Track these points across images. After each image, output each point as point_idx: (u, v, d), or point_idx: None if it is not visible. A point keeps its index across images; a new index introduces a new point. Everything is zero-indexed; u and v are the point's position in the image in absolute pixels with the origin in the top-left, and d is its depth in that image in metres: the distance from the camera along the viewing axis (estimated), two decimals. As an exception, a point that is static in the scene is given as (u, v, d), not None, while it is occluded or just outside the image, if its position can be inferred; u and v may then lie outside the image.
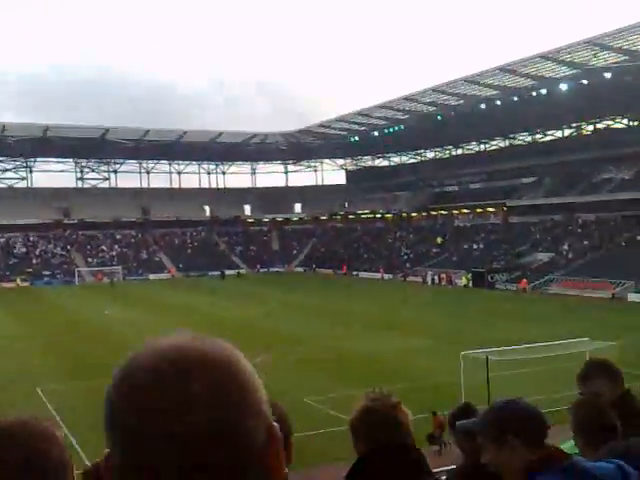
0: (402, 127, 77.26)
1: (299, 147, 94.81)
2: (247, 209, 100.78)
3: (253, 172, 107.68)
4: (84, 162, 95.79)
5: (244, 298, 53.55)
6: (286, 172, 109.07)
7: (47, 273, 77.85)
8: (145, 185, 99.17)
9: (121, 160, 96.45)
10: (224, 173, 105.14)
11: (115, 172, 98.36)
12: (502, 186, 79.14)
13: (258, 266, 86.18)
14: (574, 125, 76.16)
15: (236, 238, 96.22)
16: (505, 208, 76.51)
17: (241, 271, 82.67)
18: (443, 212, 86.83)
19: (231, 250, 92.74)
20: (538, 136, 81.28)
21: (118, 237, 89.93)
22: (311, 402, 20.69)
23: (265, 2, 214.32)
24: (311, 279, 74.27)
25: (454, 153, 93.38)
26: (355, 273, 77.50)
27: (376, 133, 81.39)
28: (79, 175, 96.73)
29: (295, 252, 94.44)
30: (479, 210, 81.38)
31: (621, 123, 72.51)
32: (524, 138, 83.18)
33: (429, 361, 26.86)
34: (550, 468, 2.01)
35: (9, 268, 77.16)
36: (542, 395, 18.50)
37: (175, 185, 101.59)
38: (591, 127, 75.49)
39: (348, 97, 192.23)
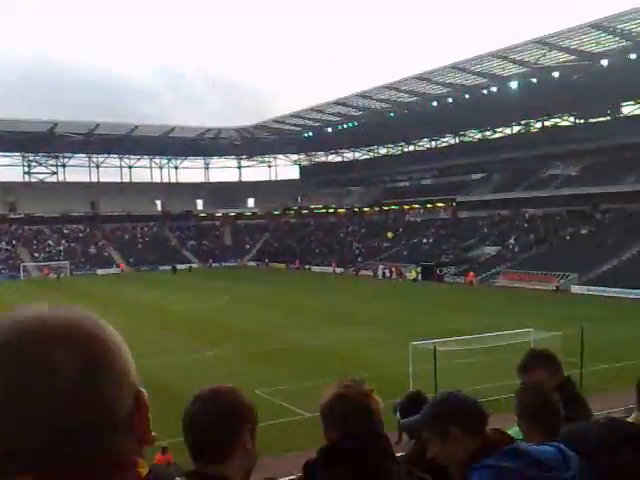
0: (355, 123, 77.65)
1: (253, 142, 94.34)
2: (199, 204, 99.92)
3: (206, 167, 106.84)
4: (32, 156, 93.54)
5: (196, 292, 53.12)
6: (239, 167, 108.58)
7: (-8, 268, 75.81)
8: (95, 179, 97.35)
9: (70, 154, 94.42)
10: (176, 168, 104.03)
11: (64, 166, 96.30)
12: (452, 182, 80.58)
13: (210, 261, 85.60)
14: (523, 122, 77.88)
15: (188, 233, 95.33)
16: (454, 203, 77.87)
17: (193, 266, 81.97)
18: (395, 207, 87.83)
19: (183, 245, 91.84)
20: (488, 133, 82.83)
21: (66, 232, 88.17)
22: (262, 394, 20.67)
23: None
24: (264, 273, 74.13)
25: (406, 149, 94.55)
26: (307, 267, 77.75)
27: (330, 129, 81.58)
28: (26, 169, 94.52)
29: (248, 247, 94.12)
30: (429, 205, 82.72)
31: (568, 121, 74.46)
32: (474, 135, 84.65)
33: (380, 352, 27.12)
34: (492, 454, 2.06)
35: (-48, 263, 74.82)
36: (488, 384, 18.96)
37: (126, 179, 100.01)
38: (539, 124, 77.33)
39: (303, 94, 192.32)
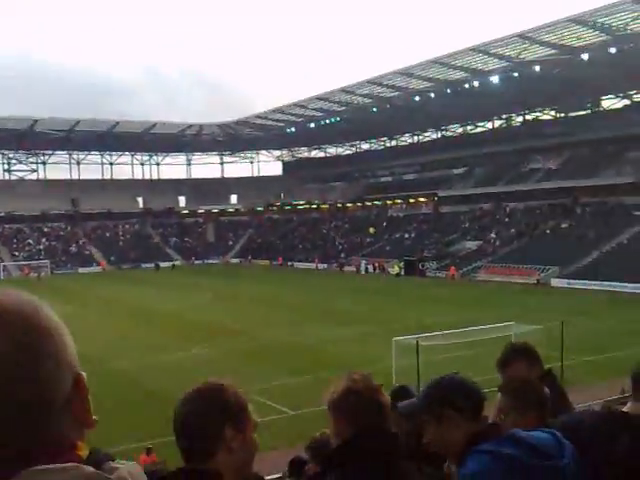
0: (338, 119, 77.61)
1: (235, 138, 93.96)
2: (182, 200, 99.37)
3: (188, 163, 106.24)
4: (11, 154, 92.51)
5: (179, 290, 52.83)
6: (222, 163, 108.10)
7: (-29, 268, 74.81)
8: (75, 177, 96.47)
9: (50, 151, 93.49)
10: (158, 164, 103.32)
11: (44, 164, 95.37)
12: (434, 177, 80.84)
13: (193, 258, 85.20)
14: (504, 117, 78.29)
15: (170, 230, 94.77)
16: (436, 198, 78.14)
17: (176, 263, 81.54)
18: (377, 202, 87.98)
19: (165, 242, 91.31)
20: (469, 128, 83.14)
21: (46, 230, 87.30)
22: (245, 392, 20.63)
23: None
24: (247, 270, 73.94)
25: (388, 145, 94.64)
26: (290, 264, 77.64)
27: (312, 124, 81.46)
28: (6, 167, 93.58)
29: (231, 243, 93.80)
30: (412, 200, 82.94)
31: (549, 115, 74.91)
32: (456, 130, 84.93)
33: (363, 348, 27.13)
34: (489, 439, 2.03)
35: None
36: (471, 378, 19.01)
37: (107, 176, 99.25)
38: (520, 119, 77.74)
39: (285, 89, 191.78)
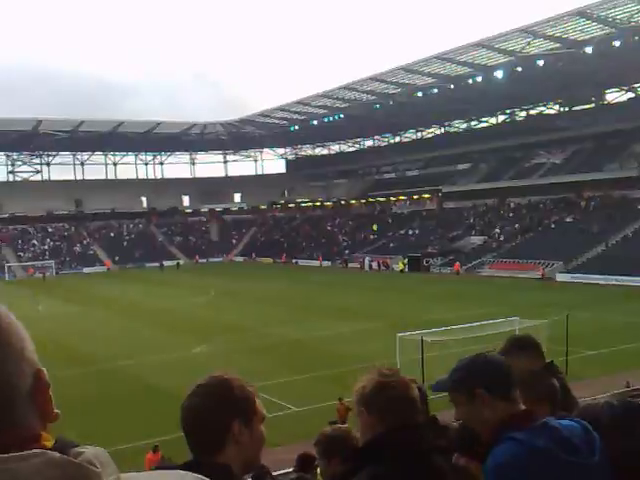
0: (341, 116, 77.48)
1: (239, 137, 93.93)
2: (186, 200, 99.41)
3: (192, 162, 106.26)
4: (15, 155, 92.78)
5: (184, 288, 52.91)
6: (225, 162, 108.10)
7: (-24, 269, 75.01)
8: (79, 177, 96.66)
9: (54, 152, 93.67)
10: (162, 164, 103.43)
11: (48, 164, 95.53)
12: (438, 173, 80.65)
13: (197, 257, 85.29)
14: (508, 112, 78.00)
15: (174, 229, 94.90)
16: (440, 194, 77.99)
17: (180, 262, 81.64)
18: (381, 199, 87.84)
19: (169, 241, 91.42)
20: (473, 123, 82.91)
21: (50, 231, 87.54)
22: (250, 389, 20.65)
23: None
24: (251, 269, 73.96)
25: (392, 141, 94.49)
26: (295, 261, 77.65)
27: (316, 122, 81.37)
28: (10, 168, 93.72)
29: (234, 242, 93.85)
30: (415, 196, 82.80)
31: (553, 109, 74.62)
32: (459, 125, 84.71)
33: (368, 344, 27.12)
34: (521, 425, 1.99)
35: (-63, 265, 73.99)
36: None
37: (111, 176, 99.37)
38: (524, 113, 77.43)
39: (288, 87, 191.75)
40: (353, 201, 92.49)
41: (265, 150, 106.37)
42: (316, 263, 73.57)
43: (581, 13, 46.96)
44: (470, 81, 61.19)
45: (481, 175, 75.65)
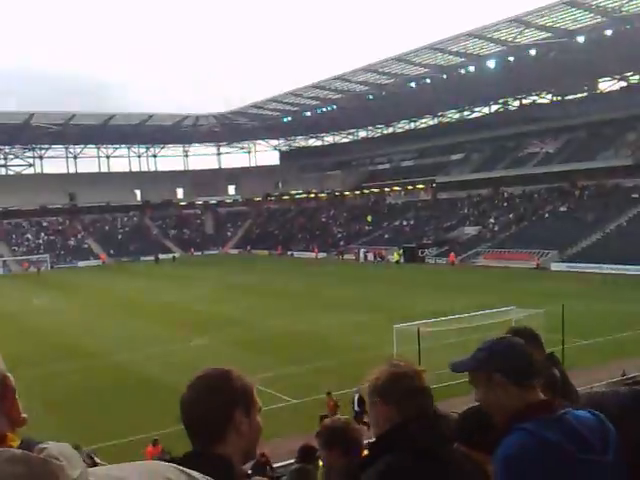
0: (334, 107, 77.30)
1: (232, 128, 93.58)
2: (180, 192, 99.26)
3: (185, 154, 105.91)
4: (8, 148, 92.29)
5: (178, 281, 52.90)
6: (219, 154, 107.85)
7: (-29, 264, 74.82)
8: (72, 170, 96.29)
9: (47, 145, 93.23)
10: (155, 156, 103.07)
11: (41, 158, 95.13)
12: (432, 163, 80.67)
13: (192, 249, 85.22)
14: (501, 101, 78.00)
15: (169, 222, 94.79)
16: (434, 184, 78.05)
17: (176, 255, 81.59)
18: (375, 190, 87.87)
19: (164, 234, 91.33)
20: (466, 113, 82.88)
21: (44, 224, 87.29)
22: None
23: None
24: (246, 261, 73.97)
25: (385, 132, 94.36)
26: (290, 253, 77.69)
27: (309, 113, 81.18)
28: (2, 162, 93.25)
29: (230, 234, 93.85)
30: (410, 187, 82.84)
31: (545, 98, 74.66)
32: (452, 115, 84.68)
33: (365, 335, 27.21)
34: (536, 415, 1.96)
35: None
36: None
37: (104, 169, 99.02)
38: (517, 103, 77.47)
39: (281, 78, 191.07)
40: (347, 192, 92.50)
41: (258, 141, 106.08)
42: (312, 255, 73.63)
43: (572, 2, 46.85)
44: (463, 71, 61.10)
45: (475, 165, 75.73)
